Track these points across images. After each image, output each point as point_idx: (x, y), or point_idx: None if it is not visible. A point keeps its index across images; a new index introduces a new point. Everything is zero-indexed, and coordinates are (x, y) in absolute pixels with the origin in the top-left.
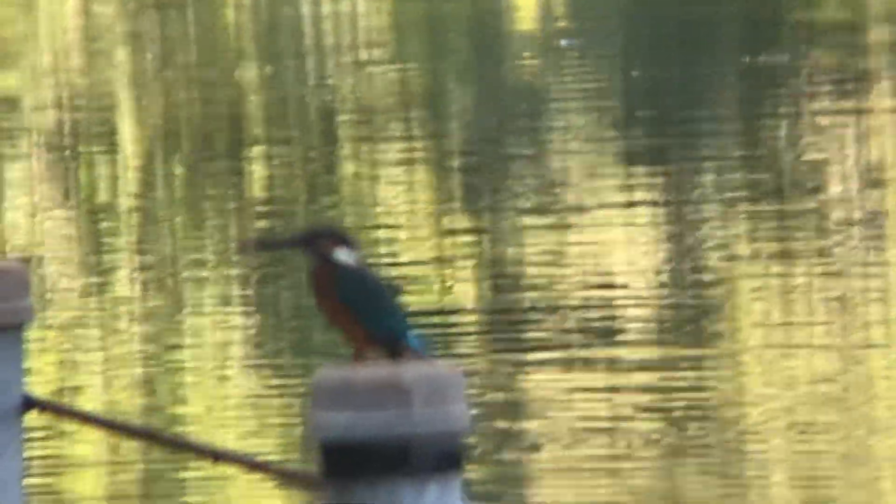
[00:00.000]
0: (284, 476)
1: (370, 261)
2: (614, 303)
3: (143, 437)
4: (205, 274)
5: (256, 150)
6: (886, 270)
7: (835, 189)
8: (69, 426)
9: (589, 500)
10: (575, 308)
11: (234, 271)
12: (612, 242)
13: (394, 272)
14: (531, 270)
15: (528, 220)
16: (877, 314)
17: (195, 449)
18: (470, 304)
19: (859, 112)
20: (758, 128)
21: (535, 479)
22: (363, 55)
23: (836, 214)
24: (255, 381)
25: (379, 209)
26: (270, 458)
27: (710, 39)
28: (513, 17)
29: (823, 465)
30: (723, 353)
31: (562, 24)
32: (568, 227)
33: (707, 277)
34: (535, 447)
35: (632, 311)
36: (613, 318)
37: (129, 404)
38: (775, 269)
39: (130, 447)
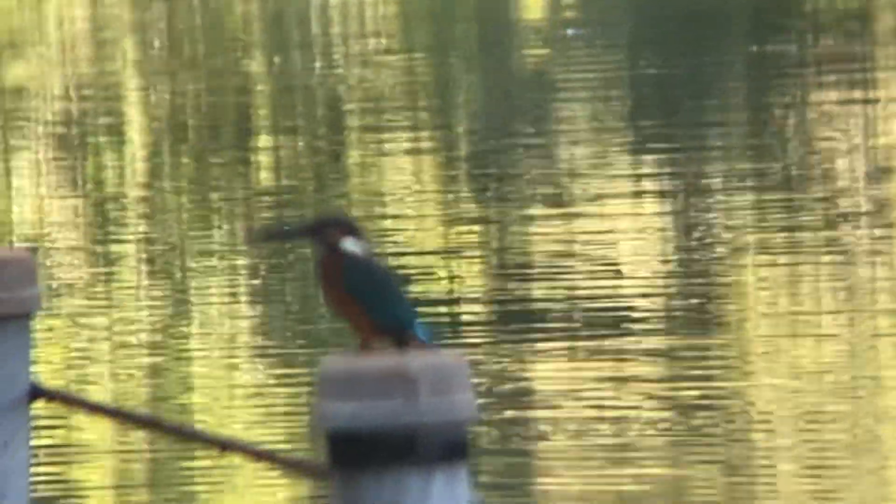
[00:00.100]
0: (291, 465)
1: (377, 250)
2: (622, 292)
3: (149, 426)
4: (212, 263)
5: (264, 140)
6: (894, 259)
7: (843, 178)
8: (76, 415)
9: (596, 489)
10: (582, 298)
11: (242, 261)
12: (619, 232)
13: (401, 262)
14: (538, 260)
15: (535, 210)
16: (884, 303)
17: (202, 438)
18: (477, 294)
19: (867, 101)
20: (765, 117)
21: (543, 468)
22: (370, 45)
23: (844, 203)
24: (261, 370)
25: (386, 199)
26: (277, 447)
27: (718, 28)
28: (520, 7)
29: (831, 454)
30: (730, 342)
31: (569, 13)
32: (575, 216)
33: (715, 267)
34: (543, 437)
35: (639, 301)
36: (621, 307)
37: (137, 394)
38: (783, 258)
39: (137, 436)
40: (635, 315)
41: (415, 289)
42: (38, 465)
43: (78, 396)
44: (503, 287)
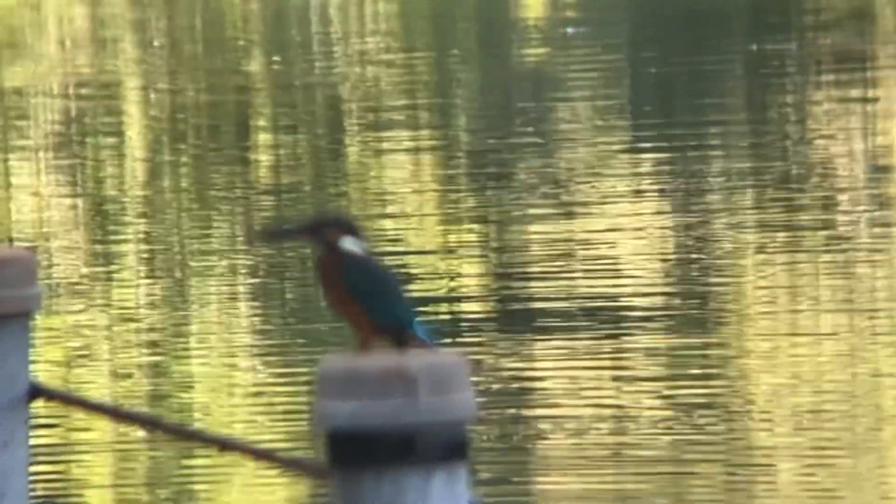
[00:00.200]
0: (290, 465)
1: (376, 250)
2: (622, 291)
3: (149, 425)
4: (211, 263)
5: (263, 139)
6: (893, 258)
7: (842, 177)
8: (75, 415)
9: (595, 488)
10: (582, 296)
11: (242, 260)
12: (619, 231)
13: (400, 261)
14: (538, 259)
15: (534, 209)
16: (884, 302)
17: (201, 437)
18: (476, 293)
19: (867, 100)
20: (765, 116)
21: (542, 467)
22: (370, 43)
23: (844, 201)
24: (261, 369)
25: (385, 198)
26: (277, 447)
27: (717, 27)
28: (520, 6)
29: (830, 453)
30: (730, 341)
31: (568, 12)
32: (575, 215)
33: (714, 266)
34: (542, 435)
35: (639, 300)
36: (621, 306)
37: (136, 393)
38: (782, 257)
39: (136, 436)
40: (635, 314)
41: (414, 288)
42: (38, 463)
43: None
44: (503, 286)
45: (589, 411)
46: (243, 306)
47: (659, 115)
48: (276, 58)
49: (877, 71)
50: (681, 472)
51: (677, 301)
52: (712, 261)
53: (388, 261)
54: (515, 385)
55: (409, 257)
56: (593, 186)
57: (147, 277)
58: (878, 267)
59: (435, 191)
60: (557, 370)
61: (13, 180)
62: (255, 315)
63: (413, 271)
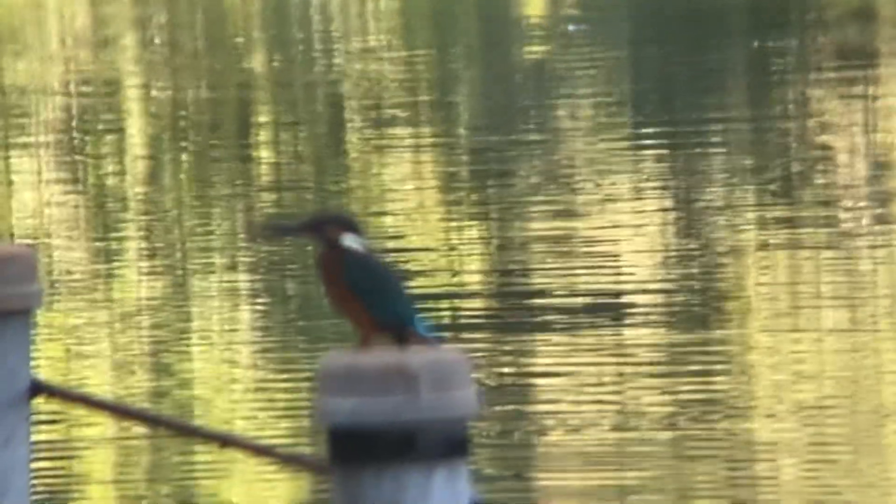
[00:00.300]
0: (291, 461)
1: (377, 247)
2: (623, 287)
3: (150, 422)
4: (213, 260)
5: (264, 137)
6: (895, 254)
7: (844, 174)
8: (77, 411)
9: (596, 484)
10: (583, 293)
11: (243, 257)
12: (620, 227)
13: (401, 258)
14: (539, 256)
15: (535, 206)
16: (886, 298)
17: (202, 434)
18: (477, 290)
19: (867, 97)
20: (767, 112)
21: (543, 463)
22: (371, 40)
23: (846, 198)
24: (262, 366)
25: (387, 195)
26: (278, 443)
27: (719, 24)
28: (521, 3)
29: (832, 448)
30: (731, 337)
31: (570, 9)
32: (576, 212)
33: (716, 262)
34: (543, 431)
35: (641, 296)
36: (622, 302)
37: (137, 389)
38: (784, 253)
39: (138, 432)
40: (637, 310)
41: (415, 285)
42: (39, 460)
43: (78, 392)
44: (504, 283)
45: (591, 407)
46: (244, 303)
47: (660, 113)
48: (277, 55)
49: (879, 68)
50: (682, 469)
51: (679, 297)
52: (714, 257)
53: (389, 258)
54: (516, 381)
55: (410, 254)
56: (595, 184)
57: (148, 274)
58: (881, 263)
59: (436, 188)
60: (559, 366)
61: (14, 177)
62: (257, 312)
63: (414, 268)
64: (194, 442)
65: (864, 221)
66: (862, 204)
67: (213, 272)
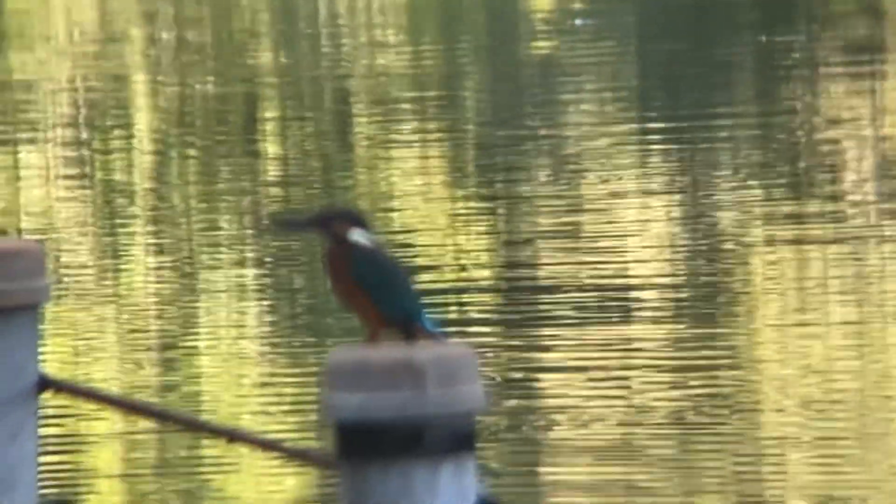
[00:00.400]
0: (298, 456)
1: (384, 241)
2: (630, 282)
3: (157, 416)
4: (220, 255)
5: (271, 131)
6: None
7: (851, 168)
8: (84, 406)
9: (603, 478)
10: (591, 287)
11: (250, 252)
12: (627, 222)
13: (408, 253)
14: (546, 251)
15: (542, 199)
16: (894, 292)
17: (210, 429)
18: (485, 285)
19: (875, 91)
20: (774, 107)
21: (550, 458)
22: (378, 35)
23: (853, 193)
24: (270, 361)
25: (394, 190)
26: (285, 438)
27: (726, 18)
28: None
29: (839, 443)
30: (738, 331)
31: (577, 3)
32: (582, 205)
33: (723, 257)
34: (551, 426)
35: (648, 291)
36: (630, 297)
37: (144, 384)
38: (791, 247)
39: (145, 427)
40: (644, 304)
41: (422, 280)
42: (47, 454)
43: (86, 387)
44: (511, 277)
45: (598, 402)
46: (252, 298)
47: (668, 107)
48: (284, 50)
49: (887, 63)
50: (689, 463)
51: (687, 292)
52: (722, 252)
53: (397, 253)
54: (523, 376)
55: (418, 249)
56: (602, 178)
57: (156, 269)
58: (889, 258)
59: (443, 183)
60: (566, 361)
61: (22, 172)
62: (264, 306)
63: (421, 263)
64: (202, 437)
65: (872, 216)
66: (870, 199)
67: (220, 267)
